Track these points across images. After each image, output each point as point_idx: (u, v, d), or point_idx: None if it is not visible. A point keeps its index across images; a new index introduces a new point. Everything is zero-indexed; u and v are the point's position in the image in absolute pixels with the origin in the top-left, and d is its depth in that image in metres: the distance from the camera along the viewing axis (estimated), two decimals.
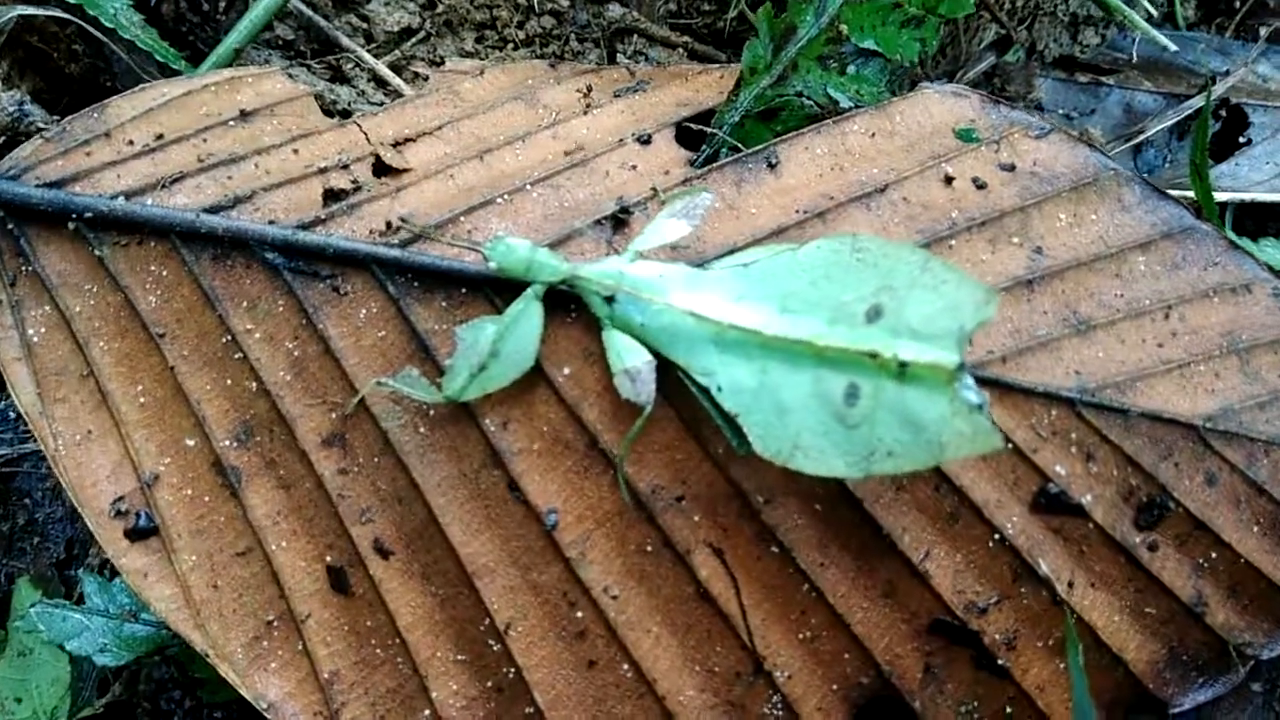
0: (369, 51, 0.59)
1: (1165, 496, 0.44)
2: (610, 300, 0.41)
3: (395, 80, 0.59)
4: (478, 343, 0.41)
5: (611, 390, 0.43)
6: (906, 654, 0.43)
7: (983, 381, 0.44)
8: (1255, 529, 0.44)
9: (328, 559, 0.42)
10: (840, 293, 0.39)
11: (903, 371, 0.36)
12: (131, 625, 0.45)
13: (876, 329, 0.38)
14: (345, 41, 0.59)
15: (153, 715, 0.44)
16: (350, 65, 0.59)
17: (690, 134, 0.52)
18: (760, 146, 0.48)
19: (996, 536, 0.44)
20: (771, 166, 0.48)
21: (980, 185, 0.48)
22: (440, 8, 0.62)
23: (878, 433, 0.37)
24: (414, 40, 0.61)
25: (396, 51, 0.60)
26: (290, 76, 0.51)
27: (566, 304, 0.43)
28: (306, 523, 0.42)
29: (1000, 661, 0.44)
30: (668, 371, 0.41)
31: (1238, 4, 0.71)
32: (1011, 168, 0.49)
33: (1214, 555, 0.44)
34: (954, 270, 0.38)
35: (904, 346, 0.37)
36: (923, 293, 0.38)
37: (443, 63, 0.62)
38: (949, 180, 0.48)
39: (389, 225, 0.43)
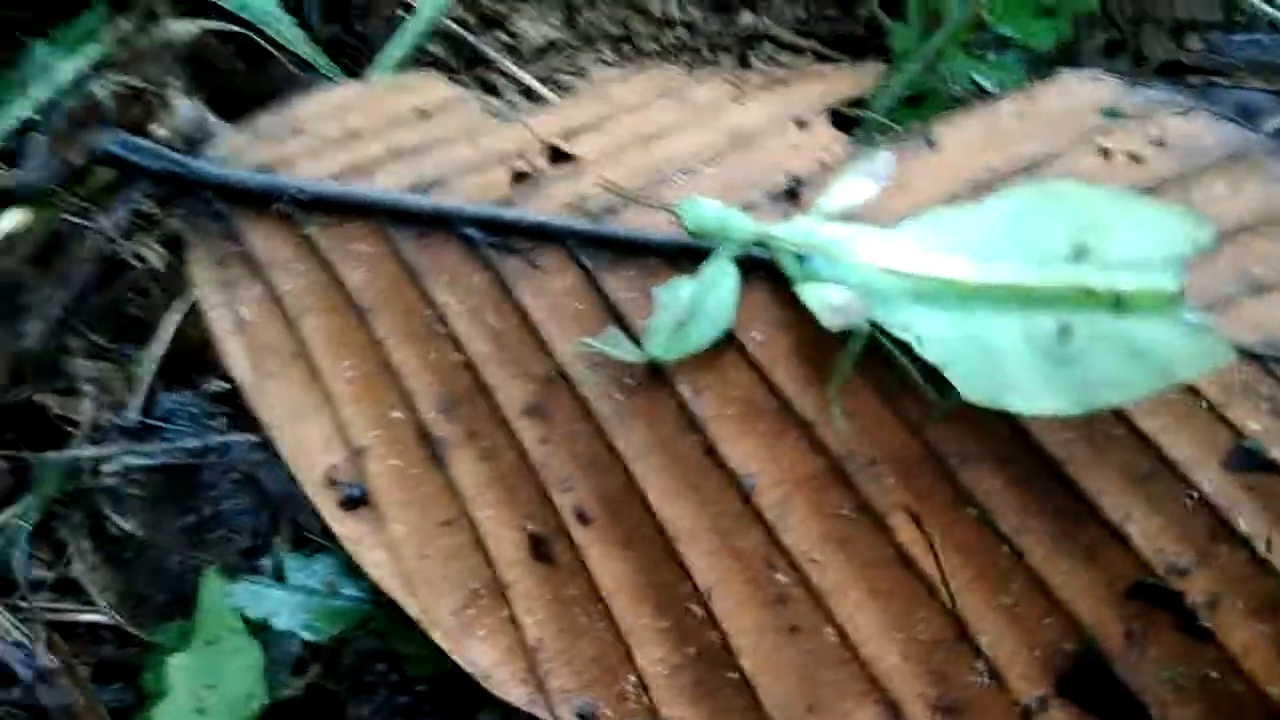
0: (515, 64, 0.62)
1: None
2: (802, 259, 0.42)
3: (543, 90, 0.61)
4: (676, 302, 0.42)
5: (802, 354, 0.44)
6: (1108, 618, 0.43)
7: None
8: None
9: (530, 527, 0.43)
10: (1038, 236, 0.40)
11: (1119, 303, 0.37)
12: (333, 600, 0.46)
13: (1084, 266, 0.38)
14: (494, 56, 0.61)
15: (355, 690, 0.45)
16: (498, 78, 0.62)
17: (841, 121, 0.53)
18: (916, 127, 0.50)
19: (1194, 495, 0.43)
20: (930, 144, 0.49)
21: (1137, 158, 0.49)
22: (580, 22, 0.64)
23: (1098, 366, 0.37)
24: (556, 53, 0.64)
25: (541, 63, 0.63)
26: (452, 84, 0.54)
27: (752, 271, 0.44)
28: (509, 491, 0.43)
29: (1203, 624, 0.43)
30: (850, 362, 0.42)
31: None
32: (1162, 142, 0.50)
33: None
34: (1158, 204, 0.39)
35: (1117, 278, 0.37)
36: (1128, 228, 0.38)
37: (584, 74, 0.64)
38: (1106, 153, 0.49)
39: (581, 201, 0.45)
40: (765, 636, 0.42)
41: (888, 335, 0.41)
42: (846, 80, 0.56)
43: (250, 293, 0.44)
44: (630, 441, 0.43)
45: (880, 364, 0.43)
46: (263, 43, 0.57)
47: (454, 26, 0.63)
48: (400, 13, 0.63)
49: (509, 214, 0.44)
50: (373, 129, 0.48)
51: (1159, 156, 0.49)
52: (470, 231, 0.44)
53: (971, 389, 0.39)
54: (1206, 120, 0.51)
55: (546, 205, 0.45)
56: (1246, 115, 0.70)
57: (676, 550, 0.42)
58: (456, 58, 0.64)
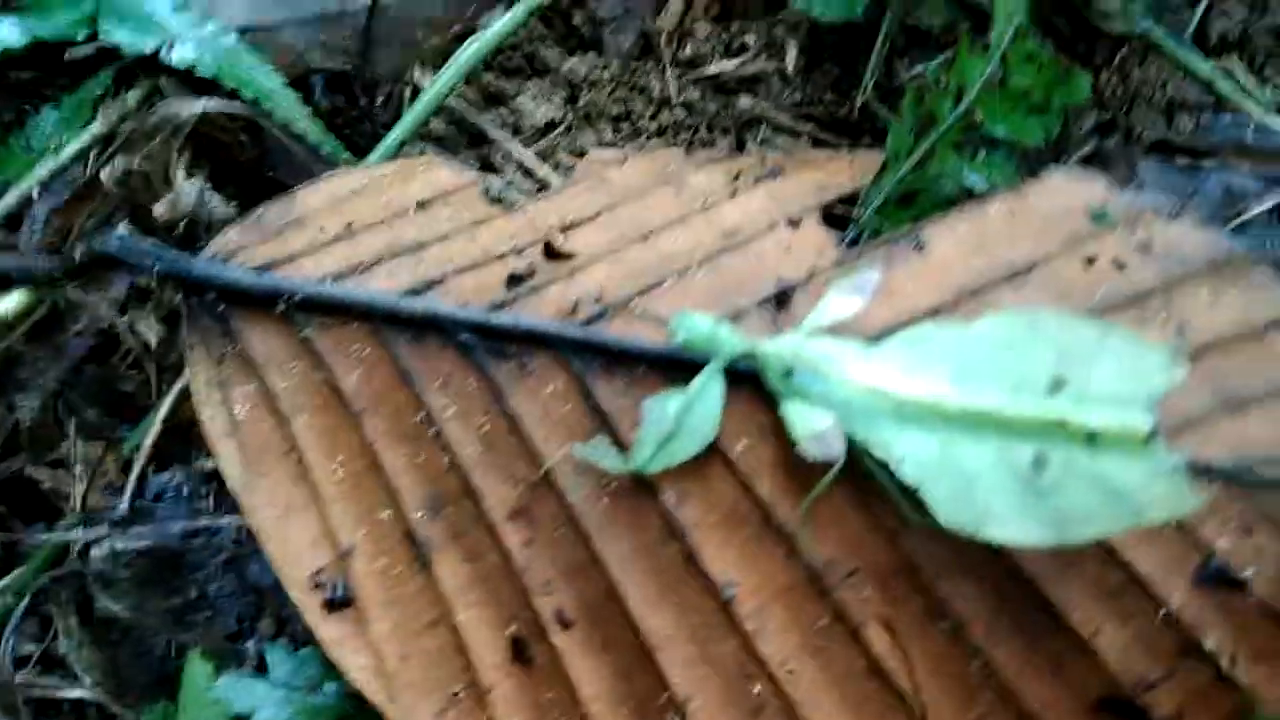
0: (517, 142, 0.63)
1: None
2: (788, 374, 0.43)
3: (542, 169, 0.62)
4: (663, 416, 0.43)
5: (785, 465, 0.45)
6: None
7: None
8: None
9: (511, 630, 0.44)
10: (1019, 364, 0.41)
11: (1093, 439, 0.38)
12: (315, 697, 0.47)
13: (1061, 398, 0.39)
14: (495, 134, 0.62)
15: None
16: (499, 156, 0.63)
17: (832, 217, 0.55)
18: (906, 229, 0.51)
19: (1162, 611, 0.45)
20: (919, 248, 0.50)
21: (1120, 265, 0.50)
22: (581, 101, 0.65)
23: (1071, 500, 0.38)
24: (557, 132, 0.65)
25: (542, 142, 0.64)
26: (453, 168, 0.55)
27: (739, 381, 0.45)
28: (492, 594, 0.44)
29: None
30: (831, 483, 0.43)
31: None
32: (1147, 248, 0.51)
33: None
34: (1134, 338, 0.40)
35: (1092, 414, 0.38)
36: (1105, 361, 0.39)
37: (585, 153, 0.65)
38: (1090, 260, 0.50)
39: (573, 306, 0.46)
40: None
41: (869, 454, 0.43)
42: (840, 171, 0.57)
43: (245, 390, 0.44)
44: (612, 548, 0.44)
45: (862, 475, 0.44)
46: (265, 123, 0.58)
47: (456, 104, 0.64)
48: (405, 89, 0.64)
49: (502, 320, 0.45)
50: (373, 222, 0.49)
51: (1143, 264, 0.51)
52: (464, 336, 0.45)
53: (949, 514, 0.40)
54: (1191, 226, 0.52)
55: (541, 308, 0.46)
56: (1232, 198, 0.72)
57: (655, 658, 0.43)
58: (459, 134, 0.65)
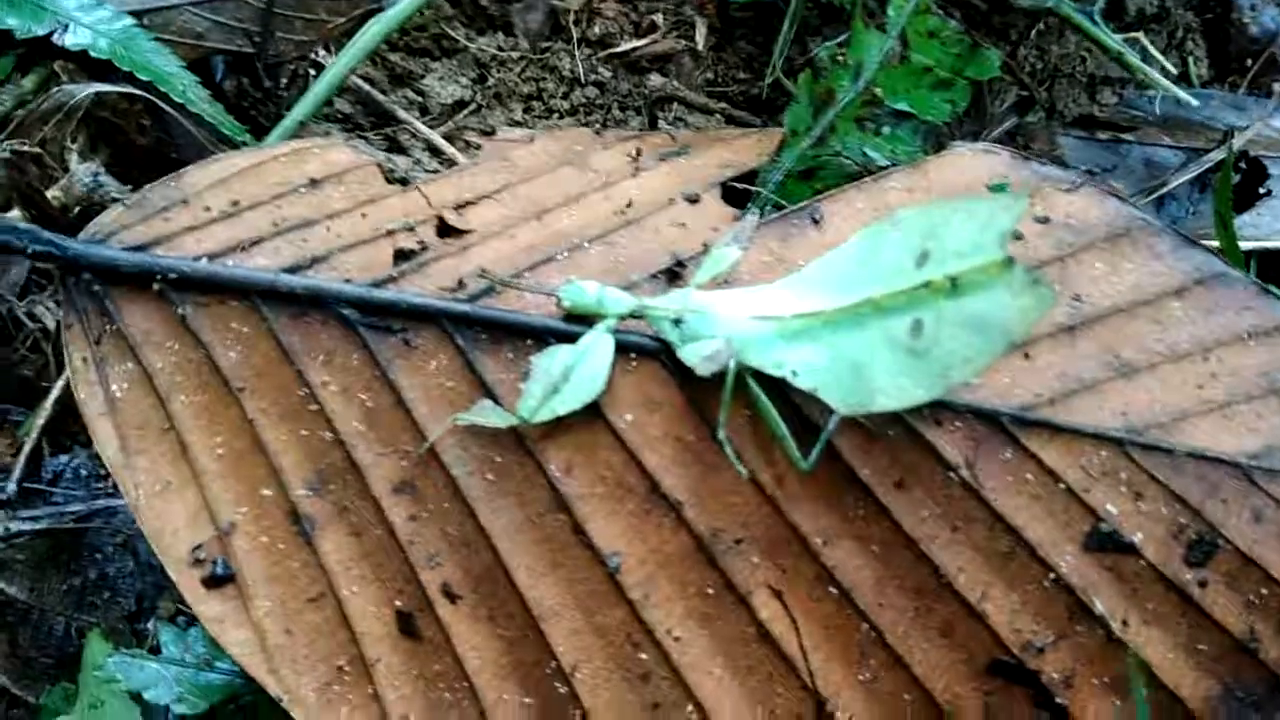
0: (424, 123, 0.63)
1: (1214, 534, 0.46)
2: (678, 322, 0.44)
3: (450, 149, 0.63)
4: (552, 367, 0.43)
5: (672, 437, 0.45)
6: (966, 694, 0.45)
7: (1034, 424, 0.46)
8: None
9: (397, 604, 0.45)
10: (888, 258, 0.43)
11: (955, 286, 0.40)
12: (206, 674, 0.47)
13: (926, 268, 0.41)
14: (402, 114, 0.63)
15: None
16: (406, 136, 0.64)
17: (735, 194, 0.55)
18: (803, 204, 0.52)
19: (1052, 576, 0.45)
20: (815, 222, 0.51)
21: (1017, 237, 0.51)
22: (490, 81, 0.66)
23: (946, 349, 0.40)
24: (466, 112, 0.65)
25: (450, 123, 0.65)
26: (353, 148, 0.55)
27: (628, 353, 0.46)
28: (377, 568, 0.45)
29: (1059, 700, 0.45)
30: (729, 401, 0.44)
31: (1249, 62, 0.75)
32: (1045, 220, 0.52)
33: (1264, 591, 0.46)
34: (984, 198, 0.41)
35: (952, 265, 0.40)
36: (959, 225, 0.41)
37: (494, 132, 0.66)
38: (1041, 219, 0.51)
39: (459, 282, 0.46)
40: (626, 713, 0.44)
41: (761, 378, 0.44)
42: (747, 148, 0.58)
43: (123, 369, 0.45)
44: (498, 520, 0.44)
45: (748, 441, 0.45)
46: (163, 105, 0.58)
47: (362, 84, 0.64)
48: (309, 69, 0.64)
49: (385, 295, 0.46)
50: (261, 200, 0.49)
51: (1040, 236, 0.52)
52: (346, 311, 0.45)
53: (845, 403, 0.42)
54: (1092, 196, 0.53)
55: (428, 284, 0.47)
56: (1154, 171, 0.73)
57: (542, 627, 0.44)
58: (365, 115, 0.65)
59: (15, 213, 0.54)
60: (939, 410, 0.46)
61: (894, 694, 0.45)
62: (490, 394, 0.45)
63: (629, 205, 0.52)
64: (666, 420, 0.45)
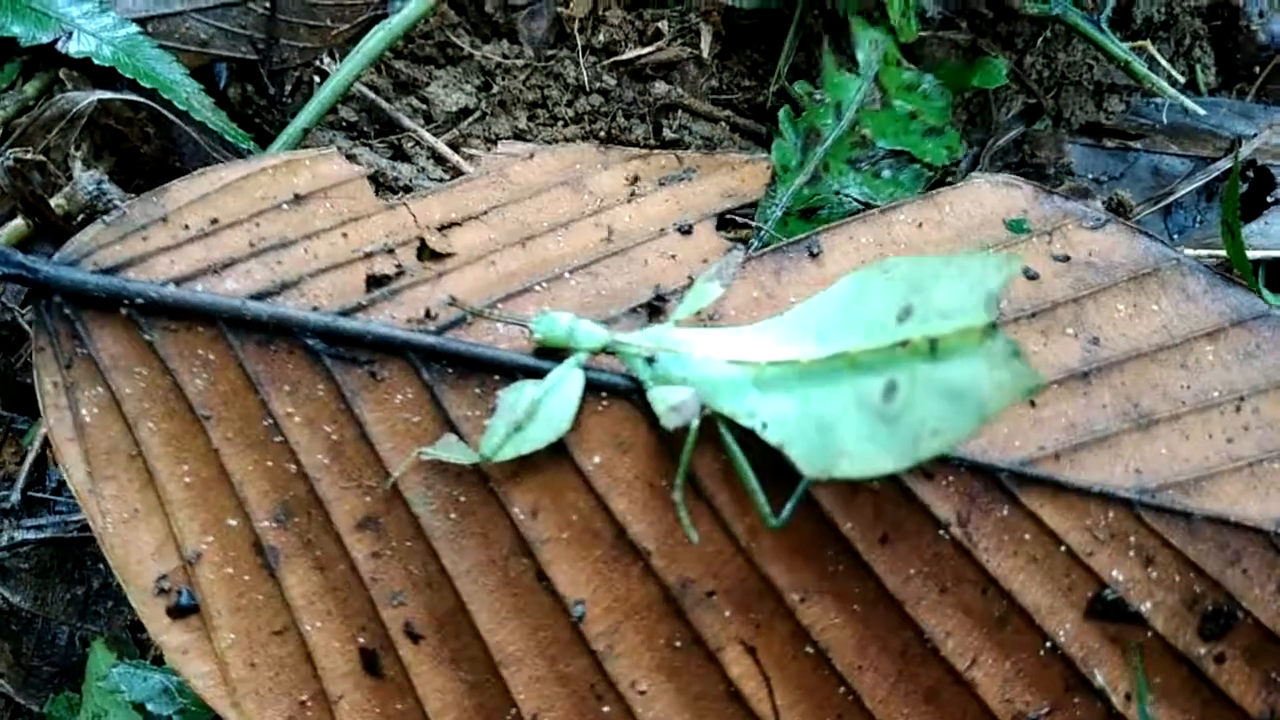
0: (428, 131, 0.62)
1: (1233, 605, 0.43)
2: (651, 361, 0.42)
3: (454, 157, 0.61)
4: (518, 403, 0.42)
5: (642, 481, 0.44)
6: None
7: (1034, 480, 0.43)
8: None
9: (361, 640, 0.44)
10: (872, 310, 0.40)
11: (934, 349, 0.37)
12: None
13: (907, 325, 0.38)
14: (406, 122, 0.62)
15: None
16: (411, 144, 0.63)
17: (734, 223, 0.53)
18: (802, 236, 0.49)
19: (1048, 644, 0.43)
20: (813, 256, 0.49)
21: (1032, 276, 0.48)
22: (495, 89, 0.65)
23: (918, 416, 0.37)
24: (470, 119, 0.64)
25: (454, 130, 0.64)
26: (348, 158, 0.54)
27: (599, 392, 0.44)
28: (341, 604, 0.44)
29: None
30: (704, 457, 0.42)
31: (1257, 70, 0.73)
32: (1065, 259, 0.49)
33: None
34: (978, 255, 0.40)
35: (933, 326, 0.37)
36: (948, 282, 0.38)
37: (496, 142, 0.64)
38: (1031, 275, 0.48)
39: (427, 313, 0.45)
40: None
41: (734, 429, 0.42)
42: (758, 175, 0.55)
43: (92, 394, 0.45)
44: (461, 561, 0.43)
45: (722, 487, 0.43)
46: (166, 113, 0.57)
47: (367, 91, 0.63)
48: (314, 76, 0.63)
49: (351, 325, 0.45)
50: (240, 218, 0.49)
51: (1058, 275, 0.48)
52: (311, 341, 0.44)
53: (809, 465, 0.39)
54: (1118, 233, 0.50)
55: (399, 313, 0.46)
56: (1161, 179, 0.69)
57: (502, 673, 0.43)
58: (369, 122, 0.64)
59: (18, 221, 0.55)
60: (931, 463, 0.43)
61: None
62: (455, 430, 0.44)
63: (618, 233, 0.50)
64: (637, 463, 0.44)
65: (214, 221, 0.49)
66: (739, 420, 0.42)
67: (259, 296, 0.46)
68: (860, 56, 0.54)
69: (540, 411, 0.43)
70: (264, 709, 0.44)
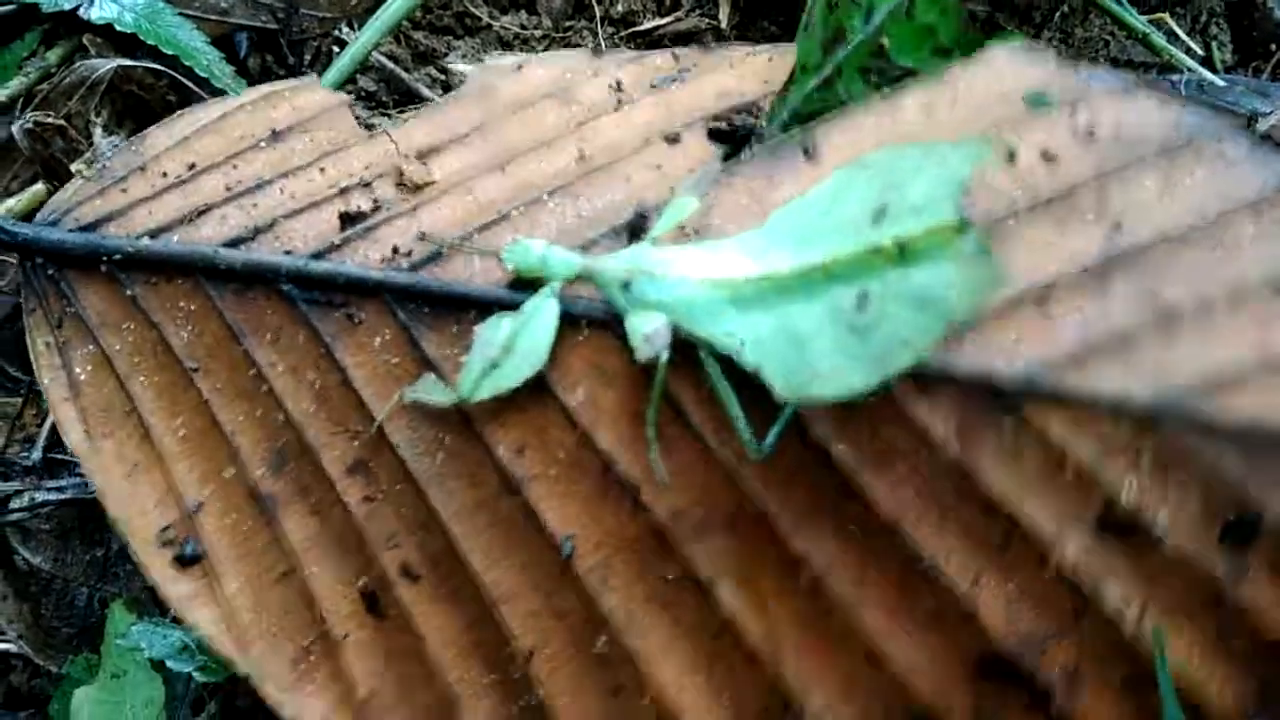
0: None
1: (1256, 514, 0.40)
2: (626, 286, 0.41)
3: (464, 73, 0.60)
4: (493, 339, 0.41)
5: (627, 414, 0.43)
6: (953, 693, 0.42)
7: (1040, 392, 0.41)
8: None
9: (361, 582, 0.45)
10: (849, 211, 0.39)
11: (903, 253, 0.36)
12: None
13: (880, 227, 0.37)
14: (424, 92, 0.63)
15: None
16: None
17: (729, 133, 0.50)
18: (794, 133, 0.46)
19: (1055, 565, 0.41)
20: (808, 155, 0.46)
21: (1049, 158, 0.44)
22: None
23: (889, 328, 0.36)
24: (462, 72, 0.63)
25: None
26: (326, 90, 0.53)
27: (578, 322, 0.43)
28: (339, 547, 0.45)
29: (1060, 703, 0.41)
30: (687, 383, 0.41)
31: (1273, 47, 0.69)
32: (1090, 134, 0.45)
33: None
34: (958, 144, 0.38)
35: (904, 226, 0.36)
36: (924, 174, 0.37)
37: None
38: (1010, 156, 0.44)
39: (399, 250, 0.44)
40: (585, 698, 0.44)
41: (714, 355, 0.41)
42: (753, 70, 0.52)
43: (84, 353, 0.46)
44: (450, 502, 0.44)
45: (708, 416, 0.42)
46: (186, 81, 0.58)
47: (386, 61, 0.63)
48: (333, 46, 0.63)
49: (324, 267, 0.44)
50: (218, 160, 0.49)
51: (1079, 154, 0.45)
52: (286, 287, 0.44)
53: (785, 386, 0.38)
54: (1149, 101, 0.46)
55: (373, 251, 0.45)
56: None
57: (498, 610, 0.43)
58: (388, 92, 0.65)
59: (39, 186, 0.56)
60: (925, 378, 0.41)
61: (871, 691, 0.42)
62: (435, 369, 0.44)
63: (601, 148, 0.48)
64: (621, 395, 0.43)
65: (191, 167, 0.48)
66: (718, 343, 0.40)
67: (233, 243, 0.45)
68: None
69: (516, 346, 0.42)
70: (272, 652, 0.45)
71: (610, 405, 0.43)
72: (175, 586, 0.45)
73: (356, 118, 0.52)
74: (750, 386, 0.41)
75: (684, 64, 0.52)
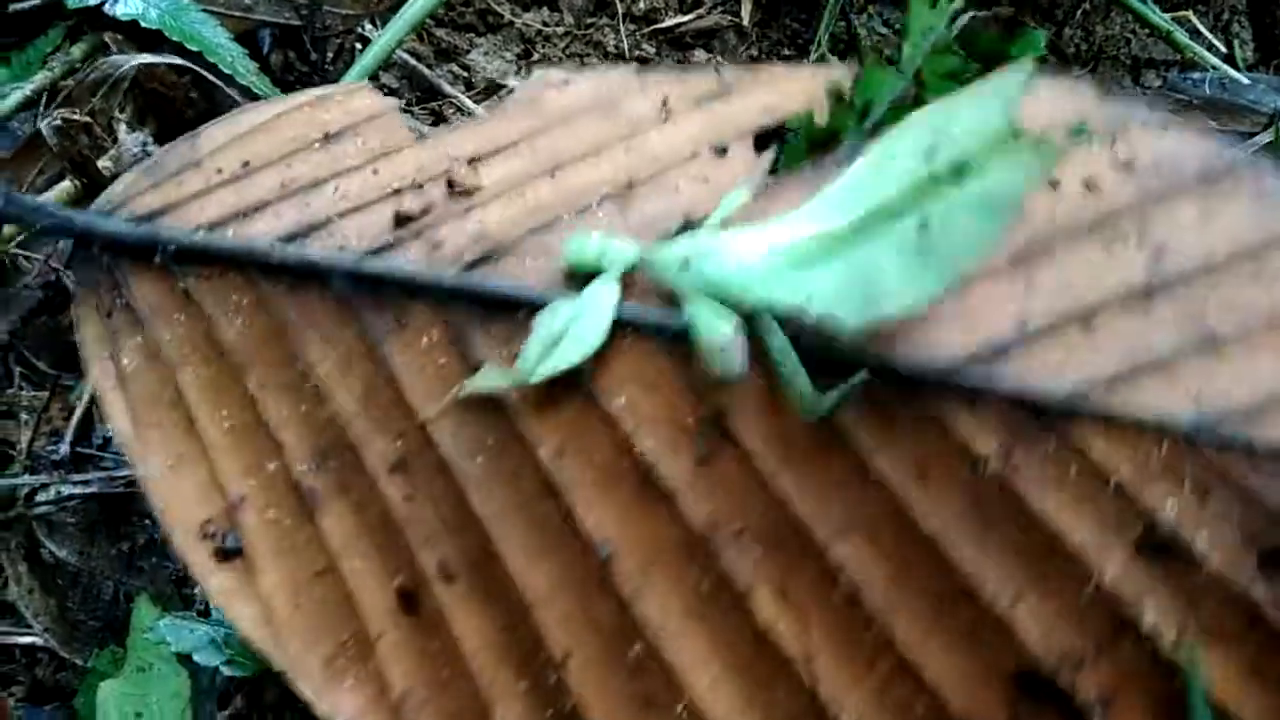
0: (469, 97, 0.62)
1: None
2: (685, 266, 0.43)
3: (513, 85, 0.61)
4: (552, 323, 0.42)
5: (668, 421, 0.43)
6: (987, 709, 0.42)
7: (1084, 411, 0.41)
8: None
9: (398, 580, 0.45)
10: (897, 161, 0.40)
11: (959, 170, 0.37)
12: None
13: (935, 162, 0.38)
14: (447, 89, 0.64)
15: None
16: (452, 111, 0.64)
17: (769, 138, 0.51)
18: (841, 149, 0.47)
19: (1094, 583, 0.41)
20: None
21: (1092, 186, 0.45)
22: (535, 56, 0.65)
23: (953, 238, 0.37)
24: (511, 86, 0.64)
25: (495, 97, 0.64)
26: (377, 94, 0.54)
27: (624, 329, 0.44)
28: (378, 545, 0.46)
29: None
30: (728, 391, 0.42)
31: None
32: (1129, 164, 0.46)
33: None
34: (994, 77, 0.39)
35: (956, 149, 0.37)
36: (967, 109, 0.38)
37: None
38: (1053, 184, 0.45)
39: (457, 250, 0.45)
40: (618, 706, 0.44)
41: (776, 320, 0.42)
42: (797, 87, 0.53)
43: (133, 343, 0.47)
44: (489, 503, 0.44)
45: (750, 426, 0.43)
46: (209, 75, 0.59)
47: (409, 58, 0.64)
48: (355, 44, 0.64)
49: (376, 266, 0.45)
50: (272, 159, 0.50)
51: (1120, 183, 0.46)
52: (339, 284, 0.45)
53: (855, 318, 0.39)
54: (1186, 135, 0.46)
55: (424, 251, 0.46)
56: None
57: (534, 613, 0.44)
58: (411, 89, 0.65)
59: (66, 183, 0.57)
60: (971, 394, 0.42)
61: (904, 704, 0.42)
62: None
63: (649, 158, 0.49)
64: (663, 403, 0.43)
65: (246, 164, 0.49)
66: (781, 304, 0.41)
67: (288, 239, 0.46)
68: (906, 49, 0.51)
69: (573, 327, 0.42)
70: (308, 648, 0.46)
71: (652, 412, 0.44)
72: (215, 579, 0.46)
73: (407, 125, 0.53)
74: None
75: (728, 80, 0.53)
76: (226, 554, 0.46)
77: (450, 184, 0.49)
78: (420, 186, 0.49)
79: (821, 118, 0.51)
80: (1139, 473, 0.41)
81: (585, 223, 0.47)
